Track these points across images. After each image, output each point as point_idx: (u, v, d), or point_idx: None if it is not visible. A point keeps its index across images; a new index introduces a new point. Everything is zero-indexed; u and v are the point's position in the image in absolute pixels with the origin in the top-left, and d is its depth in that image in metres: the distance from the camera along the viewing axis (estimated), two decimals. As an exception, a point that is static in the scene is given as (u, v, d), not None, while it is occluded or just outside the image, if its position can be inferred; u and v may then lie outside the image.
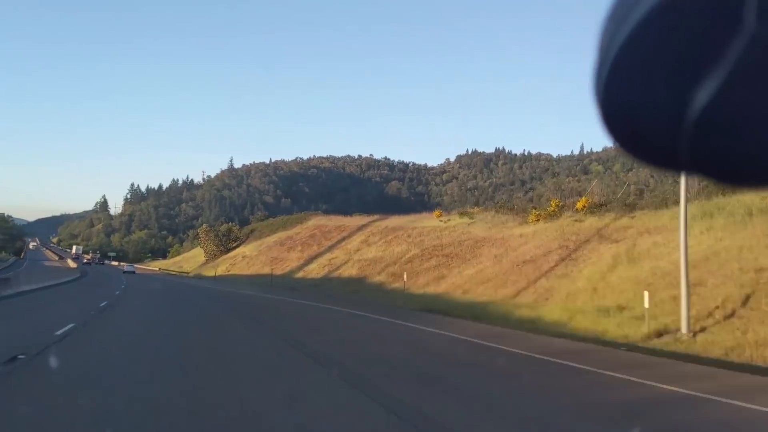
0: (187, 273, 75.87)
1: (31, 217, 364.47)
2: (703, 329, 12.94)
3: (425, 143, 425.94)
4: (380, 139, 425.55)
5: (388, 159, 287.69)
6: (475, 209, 38.05)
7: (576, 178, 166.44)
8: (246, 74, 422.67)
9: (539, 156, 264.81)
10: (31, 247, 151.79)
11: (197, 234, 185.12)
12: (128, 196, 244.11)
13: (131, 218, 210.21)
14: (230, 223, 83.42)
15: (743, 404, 7.07)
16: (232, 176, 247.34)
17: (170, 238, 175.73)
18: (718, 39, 0.53)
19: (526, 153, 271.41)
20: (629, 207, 27.14)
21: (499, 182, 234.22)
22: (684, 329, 12.78)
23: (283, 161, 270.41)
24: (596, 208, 28.74)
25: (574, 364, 9.96)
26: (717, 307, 13.82)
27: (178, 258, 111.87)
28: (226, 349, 11.34)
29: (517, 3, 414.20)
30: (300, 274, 45.99)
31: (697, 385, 8.05)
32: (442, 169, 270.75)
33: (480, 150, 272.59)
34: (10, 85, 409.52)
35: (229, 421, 5.59)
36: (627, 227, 24.08)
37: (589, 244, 24.12)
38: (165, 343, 11.98)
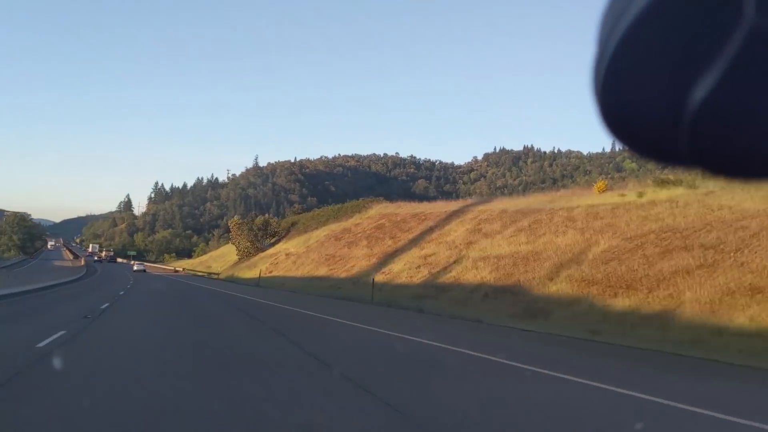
0: (218, 274, 61.36)
1: (57, 218, 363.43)
2: None
3: (452, 141, 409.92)
4: (406, 138, 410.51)
5: (414, 157, 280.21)
6: (681, 177, 22.48)
7: (609, 176, 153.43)
8: (270, 72, 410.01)
9: (569, 153, 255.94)
10: (49, 247, 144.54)
11: (227, 228, 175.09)
12: (152, 195, 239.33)
13: (155, 217, 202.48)
14: (267, 215, 68.19)
15: None
16: (257, 175, 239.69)
17: (195, 238, 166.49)
18: (717, 32, 0.51)
19: (556, 150, 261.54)
20: None
21: (530, 180, 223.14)
22: None
23: (308, 160, 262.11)
24: None
25: None
26: None
27: (204, 257, 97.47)
28: None
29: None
30: (381, 278, 30.84)
31: None
32: (470, 167, 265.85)
33: (508, 148, 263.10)
34: (39, 90, 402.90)
35: None
36: None
37: None
38: None
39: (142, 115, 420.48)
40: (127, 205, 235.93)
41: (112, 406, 5.18)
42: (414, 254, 33.46)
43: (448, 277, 26.69)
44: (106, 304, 18.93)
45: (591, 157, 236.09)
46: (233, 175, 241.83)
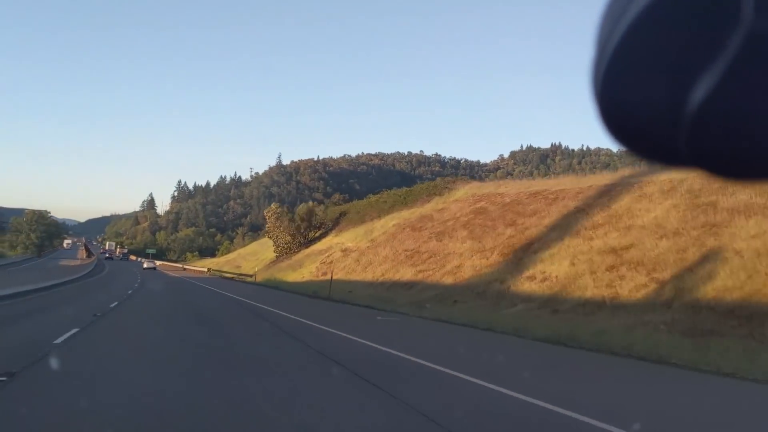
0: (251, 276, 48.79)
1: (82, 218, 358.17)
2: None
3: (477, 139, 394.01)
4: (430, 136, 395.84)
5: (439, 155, 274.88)
6: None
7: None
8: (292, 69, 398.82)
9: (599, 151, 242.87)
10: (65, 245, 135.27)
11: (251, 226, 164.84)
12: (175, 193, 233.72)
13: (178, 216, 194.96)
14: (311, 203, 55.25)
15: None
16: (281, 173, 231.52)
17: (218, 236, 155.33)
18: (716, 33, 0.50)
19: (584, 148, 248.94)
20: None
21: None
22: None
23: (331, 158, 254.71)
24: None
25: None
26: None
27: (231, 255, 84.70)
28: None
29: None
30: (531, 286, 17.73)
31: None
32: (496, 165, 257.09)
33: (535, 145, 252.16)
34: (61, 91, 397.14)
35: None
36: None
37: None
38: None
39: (166, 113, 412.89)
40: (150, 203, 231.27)
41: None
42: (579, 248, 20.32)
43: (718, 288, 13.48)
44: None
45: (621, 155, 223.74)
46: (256, 173, 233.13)
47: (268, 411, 5.32)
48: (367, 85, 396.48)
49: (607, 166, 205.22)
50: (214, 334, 12.34)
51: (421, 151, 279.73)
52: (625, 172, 26.99)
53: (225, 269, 62.18)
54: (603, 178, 27.76)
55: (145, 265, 65.62)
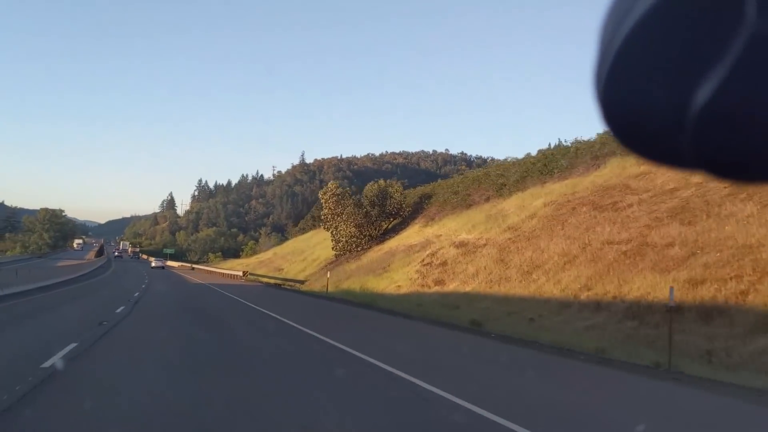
0: (301, 282, 34.20)
1: (102, 220, 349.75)
2: None
3: (503, 137, 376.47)
4: (455, 134, 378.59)
5: (465, 154, 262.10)
6: None
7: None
8: (315, 69, 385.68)
9: None
10: (75, 246, 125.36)
11: (274, 226, 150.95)
12: (196, 193, 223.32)
13: (198, 216, 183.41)
14: (382, 180, 39.28)
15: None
16: (304, 171, 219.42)
17: (241, 236, 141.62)
18: (719, 34, 0.48)
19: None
20: None
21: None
22: None
23: (354, 157, 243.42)
24: None
25: None
26: None
27: (264, 255, 68.93)
28: None
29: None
30: None
31: None
32: None
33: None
34: (81, 95, 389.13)
35: None
36: None
37: None
38: None
39: (188, 113, 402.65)
40: (170, 203, 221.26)
41: None
42: None
43: None
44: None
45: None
46: (279, 171, 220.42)
47: None
48: (390, 84, 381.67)
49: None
50: None
51: (446, 149, 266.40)
52: None
53: (259, 272, 47.81)
54: None
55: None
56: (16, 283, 20.50)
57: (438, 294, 21.08)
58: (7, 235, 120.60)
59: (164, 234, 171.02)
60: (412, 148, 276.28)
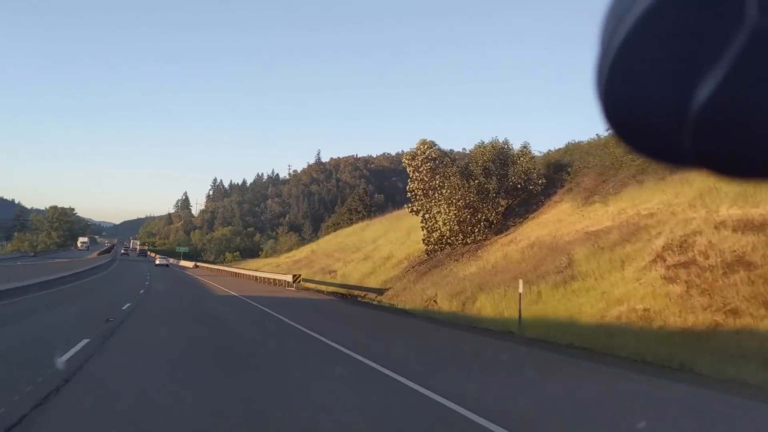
0: (381, 292, 24.45)
1: (118, 221, 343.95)
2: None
3: (519, 135, 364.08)
4: (470, 133, 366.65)
5: None
6: None
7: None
8: (331, 69, 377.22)
9: None
10: (79, 245, 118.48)
11: (291, 225, 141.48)
12: (211, 192, 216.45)
13: (213, 215, 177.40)
14: (497, 140, 26.43)
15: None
16: (320, 170, 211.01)
17: (257, 236, 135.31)
18: (720, 32, 0.48)
19: None
20: None
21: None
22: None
23: (370, 156, 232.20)
24: None
25: None
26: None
27: (298, 254, 56.35)
28: None
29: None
30: None
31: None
32: None
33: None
34: (98, 97, 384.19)
35: None
36: None
37: None
38: None
39: (201, 111, 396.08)
40: (185, 203, 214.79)
41: None
42: None
43: None
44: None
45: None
46: (294, 170, 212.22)
47: None
48: (405, 82, 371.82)
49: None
50: None
51: (463, 148, 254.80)
52: None
53: (316, 278, 35.00)
54: None
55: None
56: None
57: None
58: (15, 234, 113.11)
59: (178, 233, 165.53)
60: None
